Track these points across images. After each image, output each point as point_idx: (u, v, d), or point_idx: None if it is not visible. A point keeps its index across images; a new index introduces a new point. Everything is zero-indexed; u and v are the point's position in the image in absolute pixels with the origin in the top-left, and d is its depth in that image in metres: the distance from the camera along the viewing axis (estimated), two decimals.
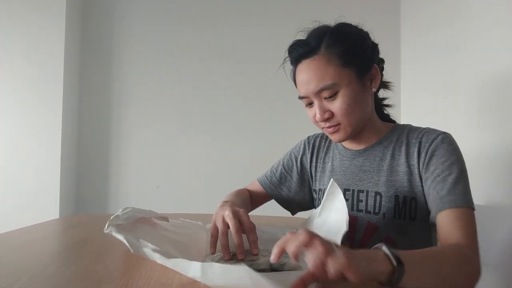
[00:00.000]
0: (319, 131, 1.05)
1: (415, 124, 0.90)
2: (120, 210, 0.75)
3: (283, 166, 1.04)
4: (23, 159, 1.90)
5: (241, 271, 0.46)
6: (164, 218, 0.85)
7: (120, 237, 0.58)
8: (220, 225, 0.70)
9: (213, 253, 0.69)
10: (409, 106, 1.90)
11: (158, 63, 2.14)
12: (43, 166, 1.90)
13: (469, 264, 0.66)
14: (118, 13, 2.14)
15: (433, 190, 0.76)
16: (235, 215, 0.69)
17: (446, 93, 1.61)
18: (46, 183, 1.90)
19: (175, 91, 2.13)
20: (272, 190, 1.02)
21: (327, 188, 0.74)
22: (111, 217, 0.67)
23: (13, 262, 0.63)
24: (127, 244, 0.57)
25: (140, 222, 0.74)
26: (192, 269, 0.52)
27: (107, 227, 0.59)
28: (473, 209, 0.73)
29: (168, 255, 0.56)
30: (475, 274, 0.66)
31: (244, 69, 2.14)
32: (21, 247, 0.74)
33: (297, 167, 1.02)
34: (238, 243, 0.66)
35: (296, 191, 1.02)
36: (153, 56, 2.14)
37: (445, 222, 0.72)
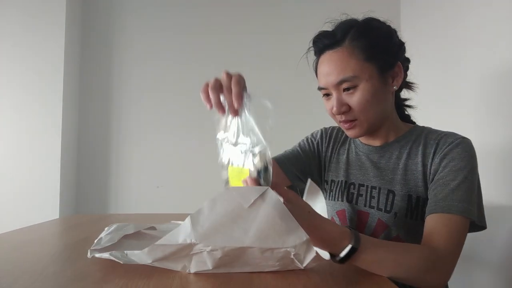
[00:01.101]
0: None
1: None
2: (106, 228, 0.73)
3: (299, 147, 1.01)
4: (23, 159, 1.90)
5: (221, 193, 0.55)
6: (151, 228, 0.84)
7: (105, 255, 0.56)
8: (212, 81, 0.66)
9: (211, 107, 0.66)
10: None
11: (158, 63, 2.13)
12: (43, 166, 1.90)
13: (436, 270, 0.65)
14: (118, 13, 2.14)
15: (432, 192, 0.75)
16: (229, 73, 0.66)
17: (446, 93, 1.61)
18: (46, 183, 1.90)
19: (176, 91, 2.13)
20: (287, 167, 0.95)
21: (307, 188, 0.73)
22: (95, 242, 0.65)
23: (13, 262, 0.63)
24: (114, 259, 0.56)
25: (126, 238, 0.72)
26: (183, 229, 0.54)
27: (90, 253, 0.58)
28: (469, 218, 0.70)
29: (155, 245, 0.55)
30: (440, 280, 0.65)
31: (245, 70, 2.12)
32: (21, 247, 0.74)
33: (312, 151, 1.00)
34: (229, 101, 0.65)
35: (306, 174, 0.97)
36: (153, 56, 2.14)
37: (432, 225, 0.71)
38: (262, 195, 0.56)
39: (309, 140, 1.03)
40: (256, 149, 0.62)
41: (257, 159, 0.62)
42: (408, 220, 0.80)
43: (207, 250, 0.53)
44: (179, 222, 0.89)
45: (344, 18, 0.83)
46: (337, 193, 0.93)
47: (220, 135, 0.71)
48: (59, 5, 1.93)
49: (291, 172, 0.96)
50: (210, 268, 0.55)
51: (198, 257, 0.55)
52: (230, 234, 0.53)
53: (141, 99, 2.13)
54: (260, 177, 0.61)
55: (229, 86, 0.65)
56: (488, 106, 1.35)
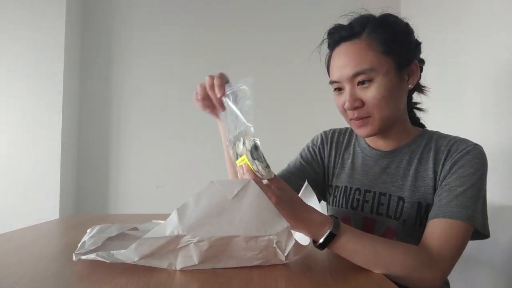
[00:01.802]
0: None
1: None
2: (88, 231, 0.74)
3: (302, 159, 0.99)
4: (23, 159, 1.90)
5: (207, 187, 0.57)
6: (133, 228, 0.85)
7: (91, 256, 0.57)
8: (198, 88, 0.77)
9: (215, 115, 0.81)
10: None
11: (158, 63, 2.13)
12: (43, 166, 1.90)
13: (425, 270, 0.64)
14: (118, 13, 2.14)
15: (437, 197, 0.74)
16: (211, 76, 0.73)
17: (450, 94, 1.61)
18: (46, 184, 1.90)
19: (176, 91, 2.12)
20: (292, 182, 0.93)
21: (302, 190, 0.74)
22: (78, 245, 0.65)
23: (14, 263, 0.63)
24: (101, 259, 0.56)
25: (109, 240, 0.73)
26: (170, 222, 0.56)
27: (75, 256, 0.58)
28: (471, 225, 0.69)
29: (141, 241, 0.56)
30: (428, 282, 0.64)
31: (245, 70, 2.13)
32: (21, 247, 0.74)
33: (316, 159, 0.98)
34: (213, 98, 0.73)
35: (313, 184, 0.95)
36: (153, 56, 2.14)
37: (432, 230, 0.69)
38: (244, 187, 0.59)
39: (310, 149, 1.00)
40: (243, 132, 0.65)
41: (247, 141, 0.64)
42: (417, 228, 0.78)
43: (194, 241, 0.55)
44: (160, 221, 0.89)
45: (358, 13, 0.82)
46: (341, 199, 0.91)
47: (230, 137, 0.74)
48: (59, 4, 1.93)
49: (300, 187, 0.95)
50: (196, 262, 0.57)
51: (184, 251, 0.56)
52: (216, 225, 0.56)
53: (141, 99, 2.13)
54: (254, 158, 0.63)
55: (212, 85, 0.71)
56: (495, 106, 1.35)
